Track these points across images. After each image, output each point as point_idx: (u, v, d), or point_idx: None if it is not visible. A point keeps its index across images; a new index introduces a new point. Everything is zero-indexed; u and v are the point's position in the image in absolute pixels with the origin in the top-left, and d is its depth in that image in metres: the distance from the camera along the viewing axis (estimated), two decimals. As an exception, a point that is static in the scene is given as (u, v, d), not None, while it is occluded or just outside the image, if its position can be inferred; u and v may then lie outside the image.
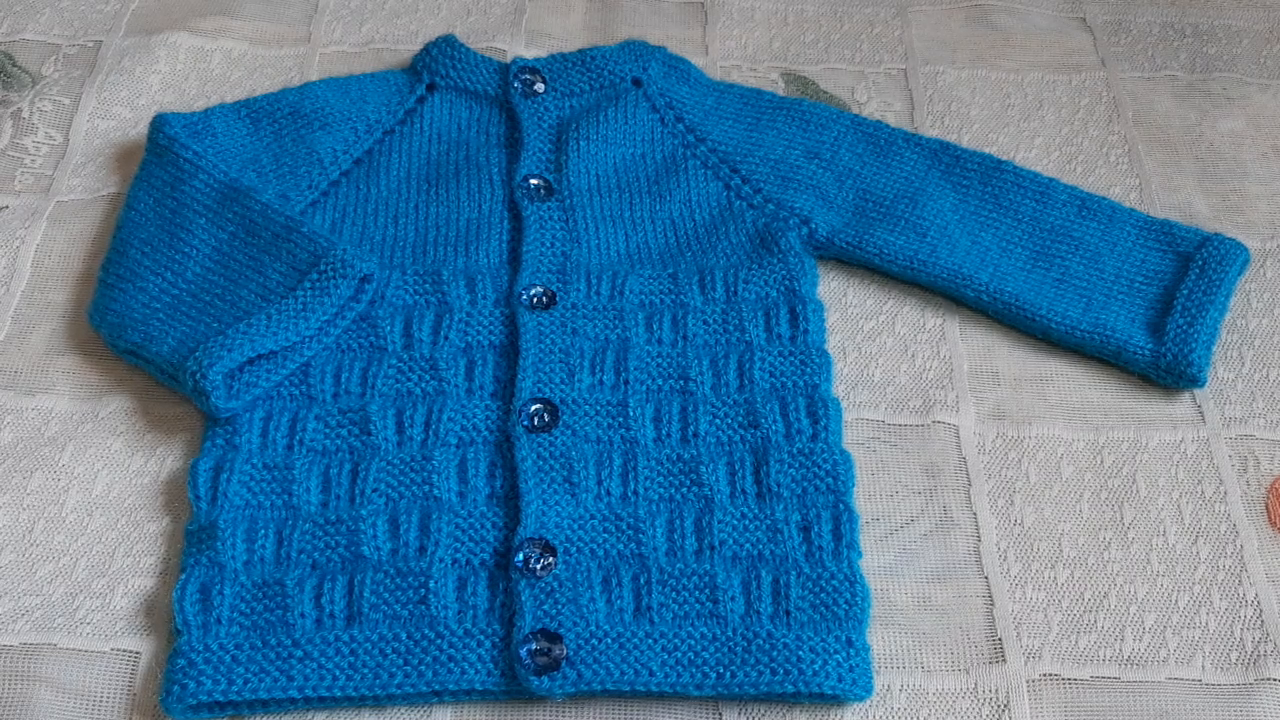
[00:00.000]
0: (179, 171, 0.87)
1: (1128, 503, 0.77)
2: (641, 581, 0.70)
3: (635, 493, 0.73)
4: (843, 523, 0.72)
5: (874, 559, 0.73)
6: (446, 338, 0.80)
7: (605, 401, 0.77)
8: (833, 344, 0.84)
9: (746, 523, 0.72)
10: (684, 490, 0.74)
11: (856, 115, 0.96)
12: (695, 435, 0.76)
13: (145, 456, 0.78)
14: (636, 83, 0.97)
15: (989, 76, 1.04)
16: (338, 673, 0.66)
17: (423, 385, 0.78)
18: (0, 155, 0.95)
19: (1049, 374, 0.83)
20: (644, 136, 0.94)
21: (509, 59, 1.00)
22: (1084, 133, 0.99)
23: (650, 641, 0.67)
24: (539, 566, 0.69)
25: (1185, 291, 0.84)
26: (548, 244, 0.86)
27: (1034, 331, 0.84)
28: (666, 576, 0.70)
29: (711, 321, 0.82)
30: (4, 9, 1.07)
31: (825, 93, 1.02)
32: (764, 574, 0.70)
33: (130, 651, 0.69)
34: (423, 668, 0.67)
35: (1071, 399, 0.82)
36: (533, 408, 0.76)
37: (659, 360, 0.80)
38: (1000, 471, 0.78)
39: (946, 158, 0.92)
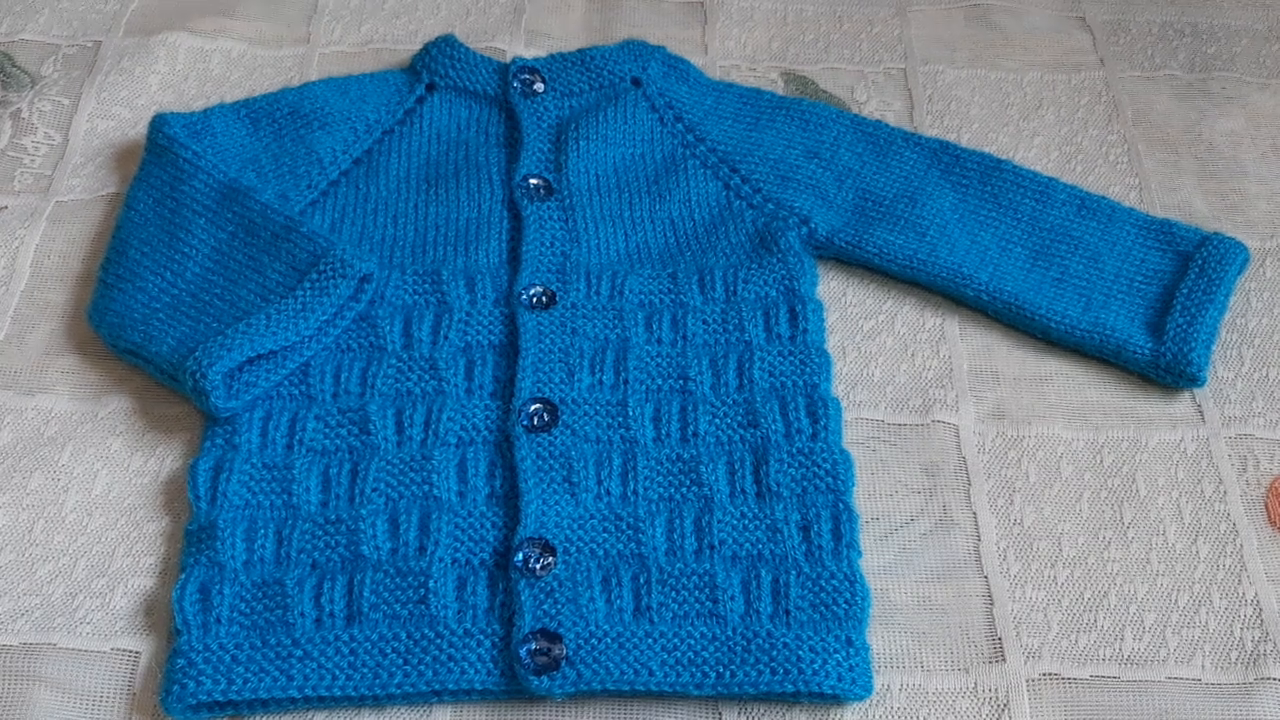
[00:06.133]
0: (178, 171, 0.87)
1: (1127, 502, 0.77)
2: (641, 581, 0.70)
3: (635, 492, 0.73)
4: (842, 522, 0.72)
5: (874, 558, 0.73)
6: (446, 337, 0.80)
7: (605, 401, 0.77)
8: (832, 343, 0.84)
9: (746, 522, 0.72)
10: (683, 490, 0.73)
11: (856, 115, 0.96)
12: (695, 435, 0.76)
13: (145, 456, 0.78)
14: (636, 82, 0.97)
15: (988, 76, 1.04)
16: (337, 672, 0.66)
17: (422, 385, 0.78)
18: None
19: (1048, 373, 0.83)
20: (643, 136, 0.94)
21: (508, 59, 1.00)
22: (1083, 132, 0.99)
23: (650, 641, 0.67)
24: (538, 566, 0.69)
25: (1185, 291, 0.84)
26: (547, 244, 0.86)
27: (1033, 331, 0.84)
28: (666, 576, 0.70)
29: (711, 321, 0.82)
30: (3, 9, 1.07)
31: (825, 92, 1.02)
32: (764, 573, 0.70)
33: (130, 651, 0.69)
34: (422, 667, 0.67)
35: (1071, 398, 0.82)
36: (532, 407, 0.76)
37: (658, 360, 0.80)
38: (1000, 471, 0.78)
39: (946, 157, 0.92)
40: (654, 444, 0.76)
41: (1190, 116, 1.01)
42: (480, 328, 0.81)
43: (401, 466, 0.74)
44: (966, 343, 0.85)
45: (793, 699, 0.67)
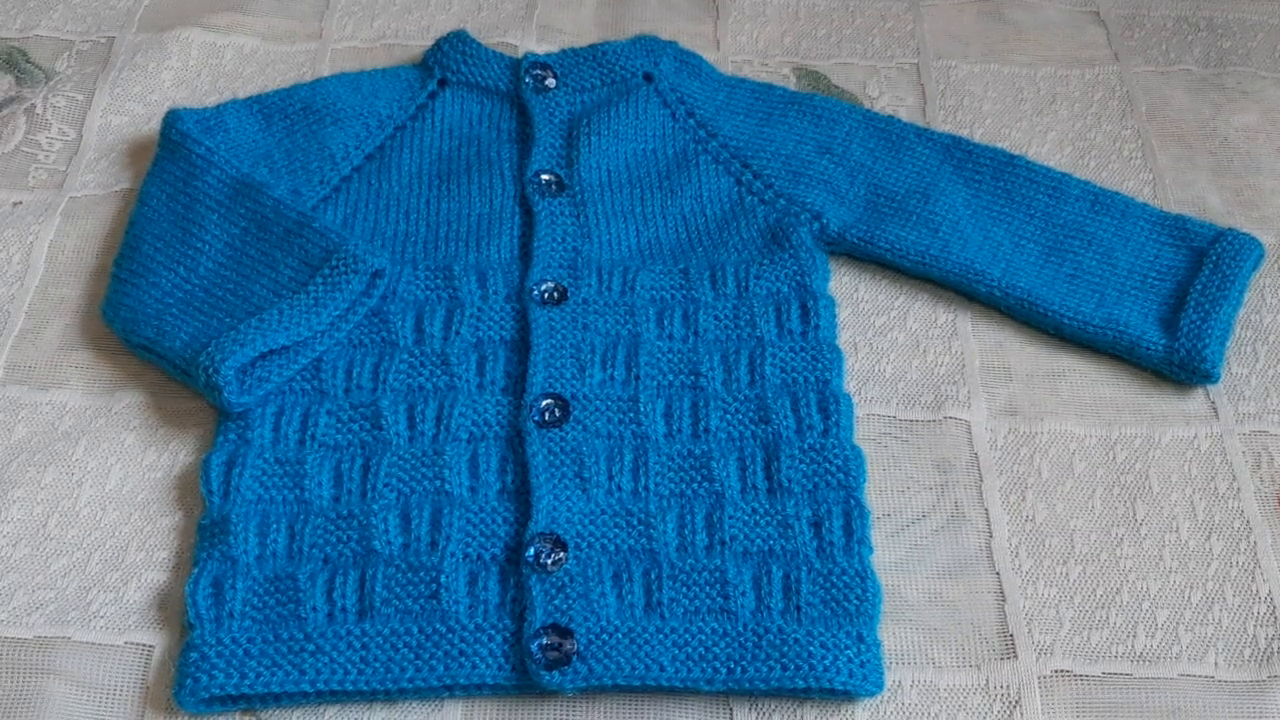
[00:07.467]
0: (191, 167, 0.87)
1: (1140, 499, 0.76)
2: (652, 576, 0.70)
3: (646, 488, 0.73)
4: (854, 518, 0.72)
5: (885, 554, 0.73)
6: (458, 333, 0.80)
7: (616, 397, 0.78)
8: (844, 339, 0.84)
9: (757, 518, 0.72)
10: (695, 485, 0.74)
11: (868, 110, 0.96)
12: (706, 430, 0.76)
13: (158, 451, 0.78)
14: (648, 78, 0.97)
15: (1001, 71, 1.04)
16: (349, 666, 0.67)
17: (434, 380, 0.78)
18: (14, 151, 0.96)
19: (1061, 370, 0.83)
20: (655, 132, 0.94)
21: (520, 54, 1.00)
22: (1097, 127, 0.99)
23: (661, 637, 0.67)
24: (550, 561, 0.70)
25: (1199, 287, 0.84)
26: (559, 239, 0.86)
27: (1046, 327, 0.84)
28: (677, 572, 0.70)
29: (723, 317, 0.82)
30: (17, 5, 1.07)
31: (837, 88, 1.02)
32: (775, 569, 0.70)
33: (143, 645, 0.70)
34: (434, 662, 0.67)
35: (1084, 395, 0.81)
36: (544, 403, 0.76)
37: (670, 356, 0.80)
38: (1012, 467, 0.78)
39: (959, 152, 0.92)
40: (665, 440, 0.76)
41: (1205, 111, 1.00)
42: (492, 323, 0.81)
43: (413, 462, 0.74)
44: (979, 339, 0.84)
45: (804, 695, 0.67)
